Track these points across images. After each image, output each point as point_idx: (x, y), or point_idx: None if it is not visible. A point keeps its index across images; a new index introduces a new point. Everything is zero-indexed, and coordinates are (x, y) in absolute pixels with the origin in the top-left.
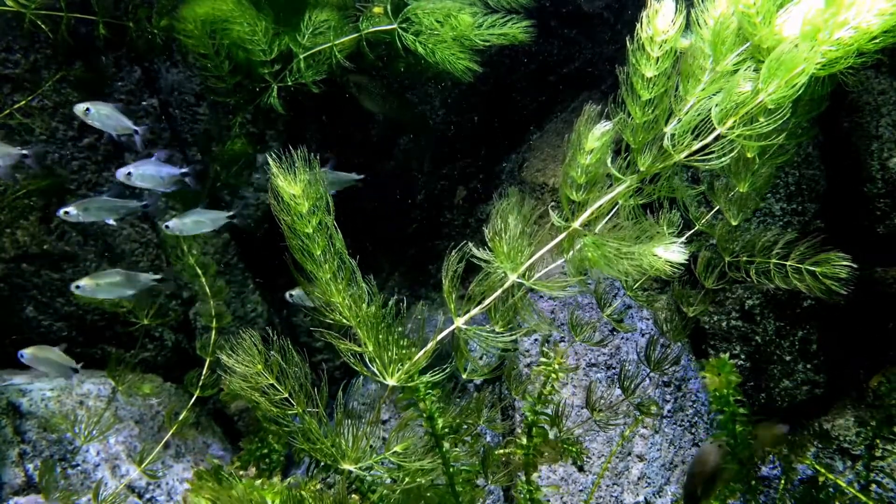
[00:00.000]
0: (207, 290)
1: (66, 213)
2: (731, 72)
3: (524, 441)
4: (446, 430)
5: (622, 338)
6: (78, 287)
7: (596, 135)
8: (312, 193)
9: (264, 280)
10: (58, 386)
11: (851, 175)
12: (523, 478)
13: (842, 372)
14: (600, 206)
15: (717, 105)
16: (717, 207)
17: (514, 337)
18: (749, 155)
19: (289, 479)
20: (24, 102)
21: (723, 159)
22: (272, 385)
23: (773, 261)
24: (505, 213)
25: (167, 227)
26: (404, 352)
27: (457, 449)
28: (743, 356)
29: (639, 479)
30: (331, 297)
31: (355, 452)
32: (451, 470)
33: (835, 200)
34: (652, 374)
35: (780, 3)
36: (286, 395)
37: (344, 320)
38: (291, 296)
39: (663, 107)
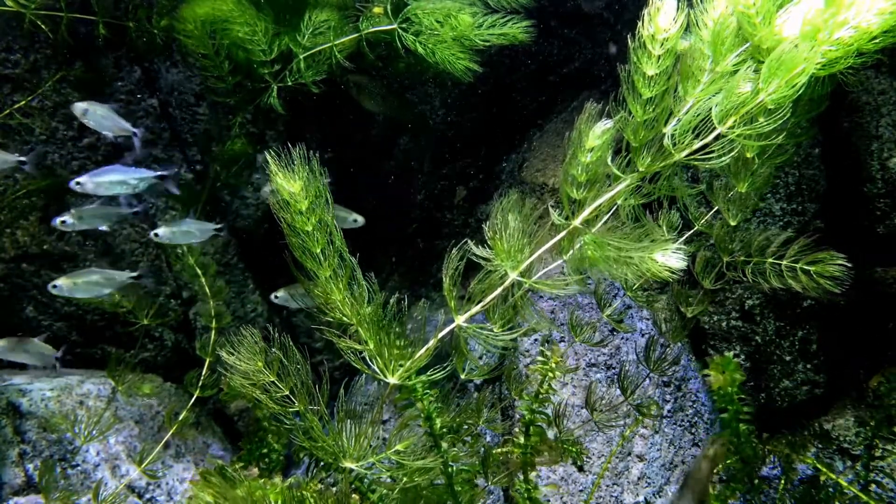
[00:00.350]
0: (207, 290)
1: (63, 222)
2: (731, 72)
3: (521, 440)
4: (445, 430)
5: (622, 338)
6: (55, 286)
7: (597, 133)
8: (312, 191)
9: (264, 280)
10: (58, 386)
11: (851, 175)
12: (521, 477)
13: (842, 372)
14: (600, 204)
15: (717, 105)
16: (717, 207)
17: (514, 335)
18: (748, 155)
19: (289, 479)
20: (24, 102)
21: (723, 158)
22: (273, 382)
23: (769, 260)
24: (505, 211)
25: (156, 234)
26: (405, 350)
27: (456, 449)
28: (743, 356)
29: (639, 479)
30: (331, 294)
31: (357, 451)
32: (449, 470)
33: (835, 200)
34: (652, 375)
35: (779, 3)
36: (287, 393)
37: (344, 318)
38: (276, 297)
39: (664, 105)
